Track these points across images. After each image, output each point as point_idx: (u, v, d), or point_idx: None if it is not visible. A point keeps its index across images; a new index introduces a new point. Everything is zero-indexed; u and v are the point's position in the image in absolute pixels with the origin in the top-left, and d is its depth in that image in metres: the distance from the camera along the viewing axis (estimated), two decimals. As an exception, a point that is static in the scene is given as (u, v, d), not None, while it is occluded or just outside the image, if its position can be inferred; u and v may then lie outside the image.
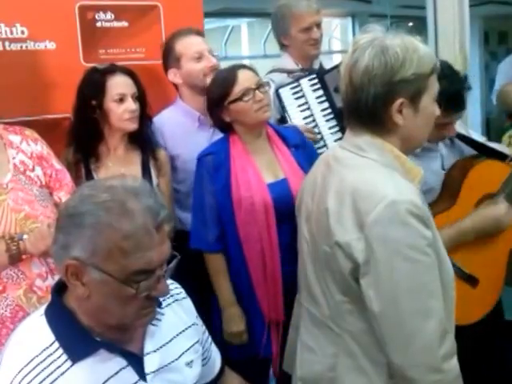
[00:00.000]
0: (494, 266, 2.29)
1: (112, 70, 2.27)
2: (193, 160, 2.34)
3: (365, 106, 1.50)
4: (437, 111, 1.58)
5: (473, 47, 5.29)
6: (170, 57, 2.51)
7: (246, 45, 8.15)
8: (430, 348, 1.44)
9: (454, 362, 1.48)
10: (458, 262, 2.17)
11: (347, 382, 1.56)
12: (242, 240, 2.21)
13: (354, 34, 7.62)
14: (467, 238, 2.13)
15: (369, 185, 1.47)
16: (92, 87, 2.25)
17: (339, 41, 7.76)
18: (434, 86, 1.53)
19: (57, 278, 1.98)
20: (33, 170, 2.04)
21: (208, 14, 3.89)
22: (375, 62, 1.47)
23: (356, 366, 1.55)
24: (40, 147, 2.08)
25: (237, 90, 2.19)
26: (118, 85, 2.25)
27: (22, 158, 2.02)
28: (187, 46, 2.48)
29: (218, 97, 2.22)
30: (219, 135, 2.38)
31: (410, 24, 7.89)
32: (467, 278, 2.21)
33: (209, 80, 2.36)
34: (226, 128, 2.29)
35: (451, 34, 3.99)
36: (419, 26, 6.04)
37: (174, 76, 2.52)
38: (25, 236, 1.90)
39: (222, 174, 2.22)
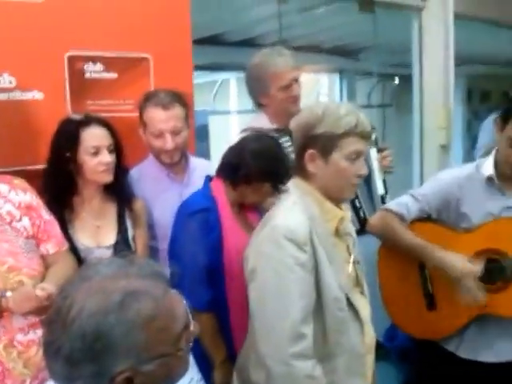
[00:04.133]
0: (455, 315, 2.33)
1: (87, 121, 2.20)
2: (164, 215, 2.34)
3: (295, 156, 1.91)
4: (349, 170, 1.82)
5: (456, 105, 5.38)
6: None
7: (235, 99, 8.22)
8: (281, 343, 1.73)
9: (306, 364, 1.74)
10: (435, 282, 2.35)
11: (251, 369, 1.90)
12: (229, 304, 2.18)
13: (341, 89, 7.72)
14: (421, 257, 2.35)
15: (271, 216, 1.87)
16: (66, 139, 2.17)
17: (327, 96, 7.86)
18: (348, 147, 1.80)
19: (38, 332, 1.94)
20: (20, 220, 1.99)
21: (198, 68, 3.94)
22: (300, 121, 1.87)
23: (256, 355, 1.82)
24: (29, 197, 2.04)
25: None
26: (93, 137, 2.18)
27: (8, 209, 1.98)
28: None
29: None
30: (190, 190, 2.36)
31: (396, 82, 8.03)
32: (427, 295, 2.38)
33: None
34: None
35: (435, 92, 4.08)
36: (405, 84, 6.15)
37: None
38: (8, 293, 1.84)
39: (214, 234, 2.18)
